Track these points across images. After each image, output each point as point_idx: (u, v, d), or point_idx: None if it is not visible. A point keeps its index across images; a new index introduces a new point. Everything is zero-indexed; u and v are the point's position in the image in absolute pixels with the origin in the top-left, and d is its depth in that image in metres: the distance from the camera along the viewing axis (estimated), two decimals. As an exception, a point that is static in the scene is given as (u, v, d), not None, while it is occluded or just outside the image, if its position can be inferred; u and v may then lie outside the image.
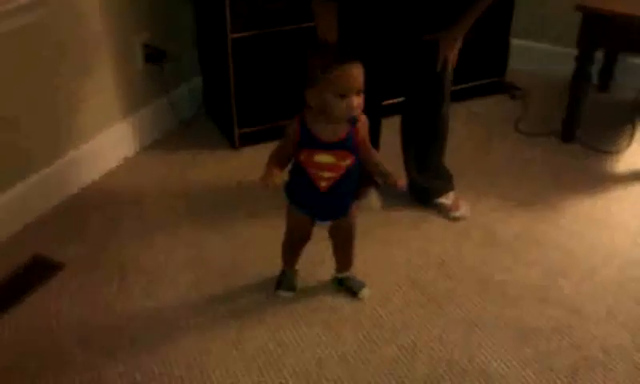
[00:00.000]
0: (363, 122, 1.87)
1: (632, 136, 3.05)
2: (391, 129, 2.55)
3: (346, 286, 2.16)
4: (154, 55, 2.89)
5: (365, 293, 2.14)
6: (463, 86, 3.22)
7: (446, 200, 2.54)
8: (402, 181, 1.95)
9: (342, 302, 2.12)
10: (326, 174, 1.87)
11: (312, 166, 1.87)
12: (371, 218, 2.47)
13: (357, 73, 1.75)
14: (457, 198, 2.55)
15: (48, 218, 2.52)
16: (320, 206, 1.96)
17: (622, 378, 1.86)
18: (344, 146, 1.85)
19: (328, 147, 1.84)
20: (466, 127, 3.13)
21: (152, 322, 2.06)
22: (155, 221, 2.51)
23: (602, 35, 2.83)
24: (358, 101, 1.77)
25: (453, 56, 2.30)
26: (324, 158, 1.85)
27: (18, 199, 2.43)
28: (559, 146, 3.01)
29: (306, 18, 2.81)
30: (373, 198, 1.91)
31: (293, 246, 2.12)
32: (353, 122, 1.83)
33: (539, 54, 3.66)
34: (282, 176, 1.86)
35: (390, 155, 2.68)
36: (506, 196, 2.66)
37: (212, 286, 2.19)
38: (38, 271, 2.26)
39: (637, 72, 3.28)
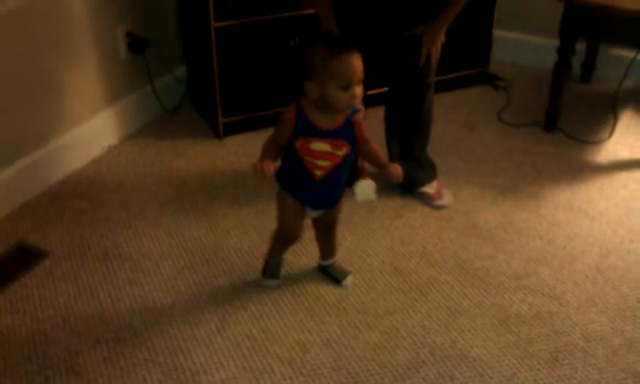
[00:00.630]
0: (362, 111, 1.84)
1: (613, 126, 3.08)
2: (375, 118, 2.57)
3: (330, 274, 2.17)
4: (137, 44, 2.88)
5: (348, 281, 2.15)
6: (447, 76, 3.24)
7: (429, 189, 2.56)
8: (398, 169, 1.91)
9: (325, 289, 2.14)
10: (322, 163, 1.85)
11: (308, 154, 1.84)
12: (355, 206, 2.48)
13: (358, 63, 1.72)
14: (439, 186, 2.58)
15: (32, 206, 2.51)
16: (314, 194, 1.94)
17: (601, 363, 1.89)
18: (341, 134, 1.83)
19: (325, 135, 1.82)
20: (449, 117, 3.15)
21: (136, 308, 2.06)
22: (139, 209, 2.51)
23: (583, 26, 2.87)
24: (359, 91, 1.75)
25: (436, 51, 2.32)
26: (320, 146, 1.83)
27: (3, 186, 2.42)
28: (541, 136, 3.04)
29: (289, 7, 2.83)
30: (371, 189, 1.88)
31: (284, 243, 2.08)
32: (353, 111, 1.80)
33: (522, 46, 3.69)
34: (275, 166, 1.84)
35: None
36: (488, 185, 2.68)
37: (196, 272, 2.20)
38: (23, 259, 2.25)
39: (618, 63, 3.31)
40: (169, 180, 2.69)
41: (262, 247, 2.25)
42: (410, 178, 2.56)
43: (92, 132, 2.79)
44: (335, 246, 2.16)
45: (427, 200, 2.55)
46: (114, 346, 1.93)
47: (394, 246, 2.34)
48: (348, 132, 1.84)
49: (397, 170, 1.91)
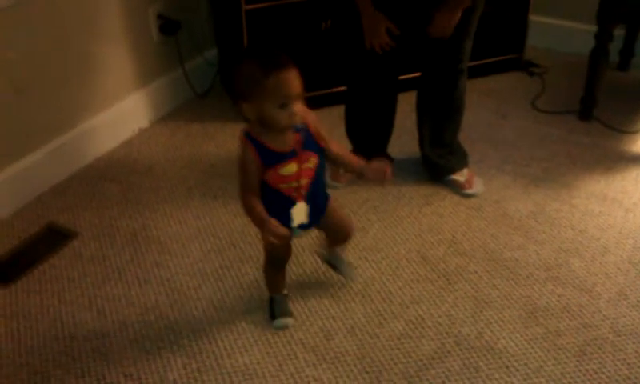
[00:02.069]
0: (312, 118, 1.71)
1: (651, 116, 3.01)
2: (408, 104, 2.54)
3: (333, 267, 2.10)
4: (168, 26, 2.88)
5: (354, 274, 2.09)
6: (480, 62, 3.19)
7: (460, 177, 2.52)
8: (382, 166, 1.80)
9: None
10: (295, 184, 1.70)
11: (281, 181, 1.68)
12: (383, 192, 2.46)
13: (293, 77, 1.58)
14: (470, 174, 2.54)
15: (63, 188, 2.54)
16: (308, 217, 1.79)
17: (631, 358, 1.85)
18: (306, 147, 1.69)
19: (288, 156, 1.67)
20: (482, 103, 3.10)
21: (162, 290, 2.07)
22: (168, 192, 2.53)
23: (621, 10, 2.79)
24: (299, 107, 1.61)
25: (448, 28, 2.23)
26: (289, 168, 1.67)
27: (34, 168, 2.46)
28: (576, 125, 2.98)
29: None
30: (303, 212, 1.77)
31: (276, 268, 1.95)
32: (297, 130, 1.66)
33: (558, 31, 3.61)
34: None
35: (406, 130, 2.68)
36: (521, 173, 2.63)
37: (222, 256, 2.21)
38: (52, 240, 2.28)
39: (658, 51, 3.23)
40: (198, 164, 2.70)
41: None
42: (441, 166, 2.53)
43: (123, 114, 2.81)
44: (344, 246, 2.06)
45: (457, 188, 2.51)
46: (139, 328, 1.94)
47: (422, 234, 2.31)
48: (309, 143, 1.70)
49: (380, 167, 1.80)
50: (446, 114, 2.47)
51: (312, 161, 1.72)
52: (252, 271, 2.14)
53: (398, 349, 1.88)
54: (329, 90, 2.99)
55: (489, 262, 2.19)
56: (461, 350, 1.87)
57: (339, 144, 1.86)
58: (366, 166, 1.82)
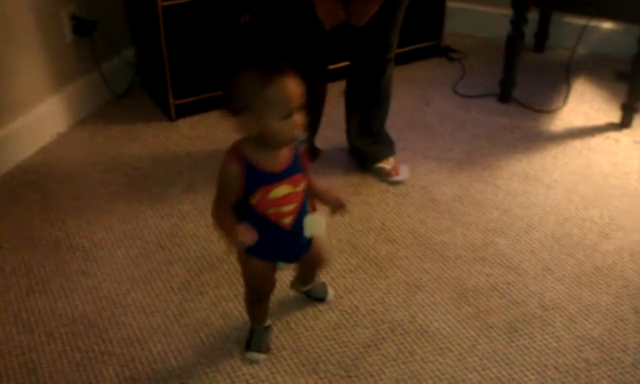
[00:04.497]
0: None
1: (567, 95, 3.10)
2: (333, 95, 2.54)
3: (312, 296, 2.00)
4: (82, 27, 2.79)
5: (331, 294, 2.01)
6: (401, 50, 3.20)
7: (386, 165, 2.54)
8: (342, 197, 1.73)
9: (284, 272, 2.10)
10: (288, 208, 1.58)
11: (270, 206, 1.56)
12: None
13: (295, 85, 1.47)
14: (396, 162, 2.56)
15: (-22, 199, 2.44)
16: (288, 247, 1.68)
17: (559, 331, 1.91)
18: (296, 169, 1.58)
19: (281, 177, 1.55)
20: (405, 91, 3.13)
21: (90, 299, 2.01)
22: (91, 197, 2.45)
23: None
24: (300, 118, 1.50)
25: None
26: (281, 190, 1.55)
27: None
28: (496, 107, 3.05)
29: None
30: (321, 224, 1.67)
31: (259, 300, 1.81)
32: (298, 143, 1.57)
33: (475, 16, 3.68)
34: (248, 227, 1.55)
35: (332, 121, 2.68)
36: (445, 158, 2.68)
37: (151, 260, 2.16)
38: (-30, 254, 2.19)
39: (570, 32, 3.33)
40: (121, 166, 2.63)
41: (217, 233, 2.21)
42: (367, 154, 2.55)
43: (39, 120, 2.71)
44: (317, 276, 1.98)
45: (384, 176, 2.54)
46: (68, 340, 1.88)
47: (353, 224, 2.32)
48: (299, 164, 1.59)
49: (341, 199, 1.71)
50: (374, 103, 2.49)
51: (303, 183, 1.60)
52: (182, 273, 2.10)
53: (334, 339, 1.88)
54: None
55: (418, 246, 2.22)
56: (395, 335, 1.89)
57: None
58: (327, 193, 1.72)
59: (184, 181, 2.53)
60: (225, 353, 1.84)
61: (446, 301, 2.01)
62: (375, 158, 2.55)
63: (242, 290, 2.02)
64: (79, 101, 2.90)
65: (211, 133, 2.81)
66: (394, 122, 2.71)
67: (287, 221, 1.60)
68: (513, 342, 1.87)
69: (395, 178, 2.53)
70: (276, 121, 1.47)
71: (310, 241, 1.72)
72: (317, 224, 1.66)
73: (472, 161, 2.66)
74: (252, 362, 1.82)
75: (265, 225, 1.57)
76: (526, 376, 1.77)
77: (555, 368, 1.79)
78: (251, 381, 1.76)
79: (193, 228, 2.29)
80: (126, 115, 2.97)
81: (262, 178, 1.54)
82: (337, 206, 1.70)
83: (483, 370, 1.79)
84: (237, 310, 1.97)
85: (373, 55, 2.38)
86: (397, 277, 2.10)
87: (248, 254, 1.65)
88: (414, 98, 3.10)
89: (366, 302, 2.00)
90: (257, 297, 1.80)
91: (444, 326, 1.92)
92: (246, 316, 1.88)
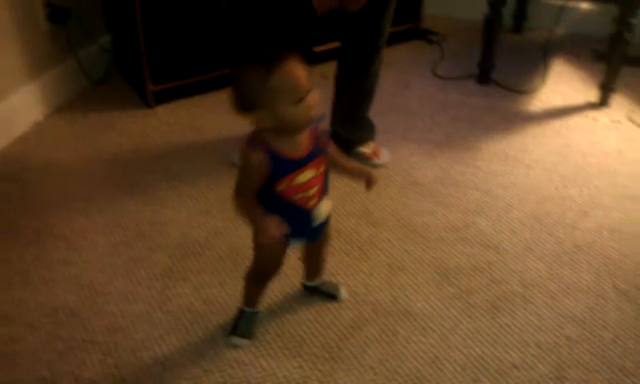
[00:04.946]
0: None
1: (545, 75, 3.12)
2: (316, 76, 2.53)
3: (324, 292, 1.96)
4: (57, 14, 2.75)
5: (343, 293, 1.97)
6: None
7: (367, 149, 2.55)
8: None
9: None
10: (312, 191, 1.58)
11: (296, 192, 1.55)
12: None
13: (299, 67, 1.45)
14: (377, 146, 2.57)
15: (-45, 190, 2.40)
16: (311, 227, 1.66)
17: (540, 309, 1.93)
18: (318, 151, 1.56)
19: (305, 162, 1.54)
20: (385, 74, 3.12)
21: (71, 288, 2.00)
22: (70, 186, 2.43)
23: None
24: (314, 97, 1.48)
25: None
26: (305, 175, 1.54)
27: None
28: (476, 88, 3.06)
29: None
30: (327, 209, 1.68)
31: (261, 281, 1.80)
32: (316, 123, 1.55)
33: (453, -2, 3.69)
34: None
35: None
36: (425, 140, 2.69)
37: (132, 247, 2.14)
38: (-53, 246, 2.16)
39: (548, 12, 3.34)
40: (99, 154, 2.61)
41: (199, 218, 2.21)
42: (348, 139, 2.55)
43: (14, 109, 2.67)
44: (325, 261, 1.93)
45: (365, 160, 2.53)
46: (50, 330, 1.86)
47: (335, 208, 2.29)
48: (319, 145, 1.58)
49: (370, 172, 1.71)
50: (362, 89, 2.48)
51: (324, 165, 1.60)
52: (164, 259, 2.09)
53: (317, 322, 1.88)
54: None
55: (400, 228, 2.23)
56: (378, 316, 1.90)
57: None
58: (356, 167, 1.74)
59: (163, 167, 2.52)
60: (208, 338, 1.84)
61: (428, 281, 2.02)
62: (356, 142, 2.55)
63: (224, 275, 2.03)
64: (55, 89, 2.86)
65: (190, 119, 2.80)
66: (374, 106, 2.71)
67: (312, 203, 1.61)
68: (495, 320, 1.89)
69: (376, 162, 2.53)
70: (289, 107, 1.45)
71: (325, 222, 1.72)
72: (327, 208, 1.68)
73: (452, 142, 2.67)
74: (235, 346, 1.81)
75: (292, 210, 1.57)
76: (508, 354, 1.79)
77: (537, 345, 1.81)
78: (235, 365, 1.76)
79: (174, 214, 2.28)
80: (103, 103, 2.94)
81: (287, 166, 1.52)
82: (370, 180, 1.70)
83: (466, 348, 1.80)
84: (220, 295, 1.97)
85: (364, 40, 2.37)
86: (379, 259, 2.10)
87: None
88: (393, 81, 3.10)
89: (348, 285, 2.00)
90: (264, 275, 1.79)
91: (426, 306, 1.93)
92: (235, 300, 1.88)
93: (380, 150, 2.56)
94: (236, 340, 1.82)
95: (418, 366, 1.75)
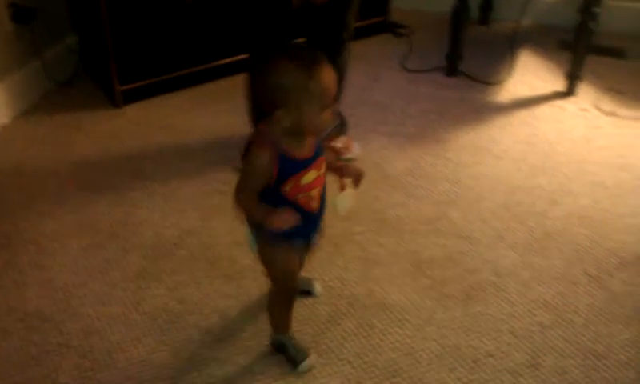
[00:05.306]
0: None
1: (512, 66, 3.16)
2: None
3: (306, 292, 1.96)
4: (22, 14, 2.72)
5: (318, 288, 1.97)
6: (348, 27, 3.22)
7: (337, 143, 2.55)
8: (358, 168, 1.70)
9: (240, 253, 2.11)
10: (315, 192, 1.56)
11: (301, 192, 1.52)
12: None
13: (333, 76, 1.42)
14: (348, 140, 2.57)
15: None
16: (314, 227, 1.66)
17: (513, 296, 1.95)
18: (320, 152, 1.55)
19: (309, 163, 1.51)
20: (354, 68, 3.13)
21: (44, 292, 1.97)
22: (39, 189, 2.40)
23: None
24: (336, 107, 1.49)
25: None
26: (309, 176, 1.52)
27: None
28: (444, 81, 3.09)
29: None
30: (351, 198, 1.69)
31: (290, 299, 1.74)
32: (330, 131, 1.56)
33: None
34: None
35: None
36: (395, 133, 2.70)
37: (104, 249, 2.13)
38: None
39: (514, 4, 3.38)
40: (68, 156, 2.58)
41: (172, 217, 2.20)
42: (318, 133, 2.55)
43: (-20, 112, 2.64)
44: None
45: (336, 154, 2.54)
46: (23, 335, 1.84)
47: (307, 203, 2.32)
48: (320, 146, 1.57)
49: (359, 169, 1.68)
50: None
51: (324, 166, 1.57)
52: (137, 260, 2.08)
53: (294, 318, 1.87)
54: (203, 67, 2.94)
55: (373, 222, 2.24)
56: (354, 310, 1.91)
57: None
58: (346, 166, 1.69)
59: (134, 167, 2.50)
60: (185, 337, 1.83)
61: (402, 273, 2.03)
62: (325, 136, 2.55)
63: (199, 274, 2.02)
64: (21, 91, 2.82)
65: (159, 117, 2.78)
66: (344, 100, 2.71)
67: (315, 204, 1.58)
68: (469, 309, 1.91)
69: (347, 156, 2.54)
70: (317, 112, 1.41)
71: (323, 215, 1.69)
72: (349, 199, 1.68)
73: (422, 135, 2.69)
74: (310, 369, 1.75)
75: (295, 210, 1.52)
76: (483, 342, 1.81)
77: (510, 332, 1.84)
78: (212, 364, 1.76)
79: (146, 214, 2.26)
80: (70, 104, 2.91)
81: (294, 166, 1.49)
82: (358, 177, 1.68)
83: (441, 338, 1.82)
84: (195, 295, 1.96)
85: (329, 34, 2.37)
86: (353, 253, 2.12)
87: (274, 242, 1.59)
88: (363, 75, 3.11)
89: (324, 280, 2.01)
90: (287, 293, 1.72)
91: (402, 298, 1.95)
92: (210, 299, 1.86)
93: (351, 144, 2.57)
94: (304, 366, 1.75)
95: (395, 358, 1.77)
